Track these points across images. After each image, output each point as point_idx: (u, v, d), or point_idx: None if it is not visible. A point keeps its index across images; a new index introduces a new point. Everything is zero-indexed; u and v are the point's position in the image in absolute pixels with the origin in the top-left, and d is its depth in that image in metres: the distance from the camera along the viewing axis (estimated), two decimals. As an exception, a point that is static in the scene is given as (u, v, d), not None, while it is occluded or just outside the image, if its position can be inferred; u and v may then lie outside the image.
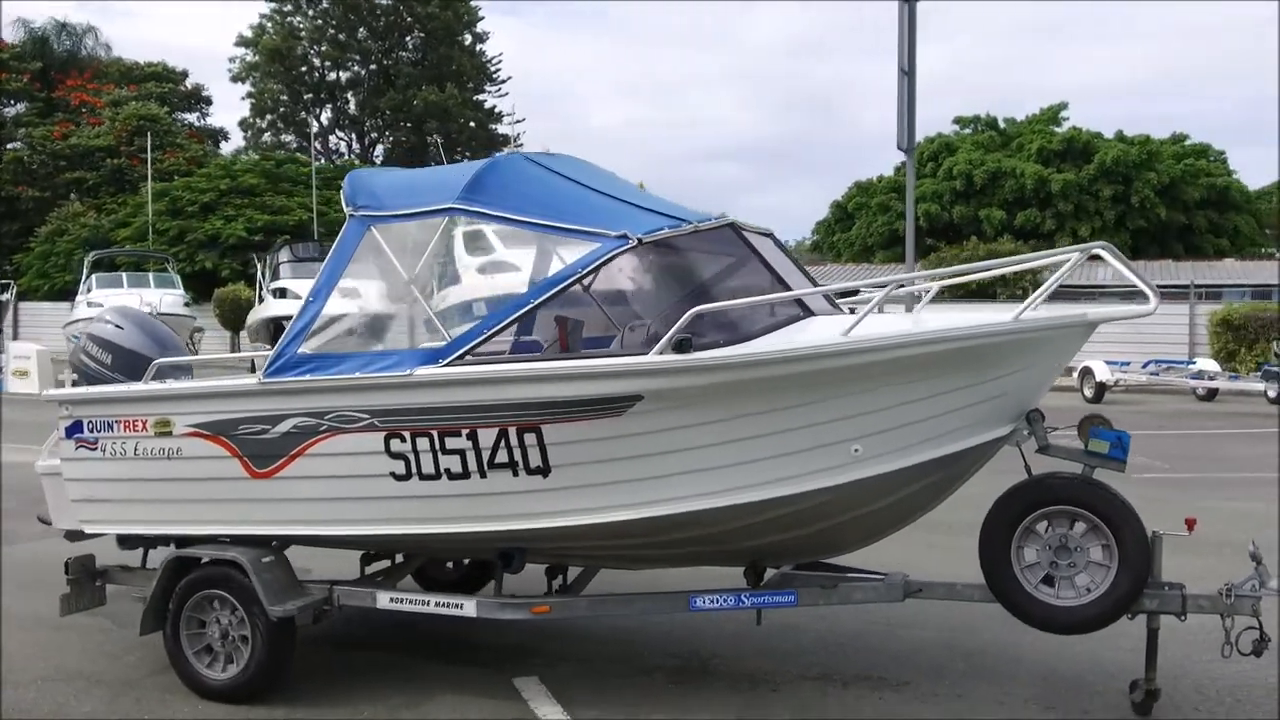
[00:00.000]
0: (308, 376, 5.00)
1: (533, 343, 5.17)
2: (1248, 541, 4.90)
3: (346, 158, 52.99)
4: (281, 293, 22.69)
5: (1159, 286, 4.68)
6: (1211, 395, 19.37)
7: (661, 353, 4.46)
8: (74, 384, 6.51)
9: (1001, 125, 49.96)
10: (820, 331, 4.67)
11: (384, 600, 5.28)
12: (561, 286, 4.72)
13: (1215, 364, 20.00)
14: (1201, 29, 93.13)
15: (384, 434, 4.90)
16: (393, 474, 4.93)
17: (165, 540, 5.85)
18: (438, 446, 4.83)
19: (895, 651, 5.96)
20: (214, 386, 5.35)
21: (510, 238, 5.39)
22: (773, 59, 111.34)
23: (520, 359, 4.98)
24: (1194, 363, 20.36)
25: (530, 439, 4.70)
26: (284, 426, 5.06)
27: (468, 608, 5.11)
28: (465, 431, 4.78)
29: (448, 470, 4.85)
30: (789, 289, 5.05)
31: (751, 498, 4.68)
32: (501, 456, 4.76)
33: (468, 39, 54.25)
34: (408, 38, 53.92)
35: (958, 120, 51.21)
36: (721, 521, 4.79)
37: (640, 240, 4.68)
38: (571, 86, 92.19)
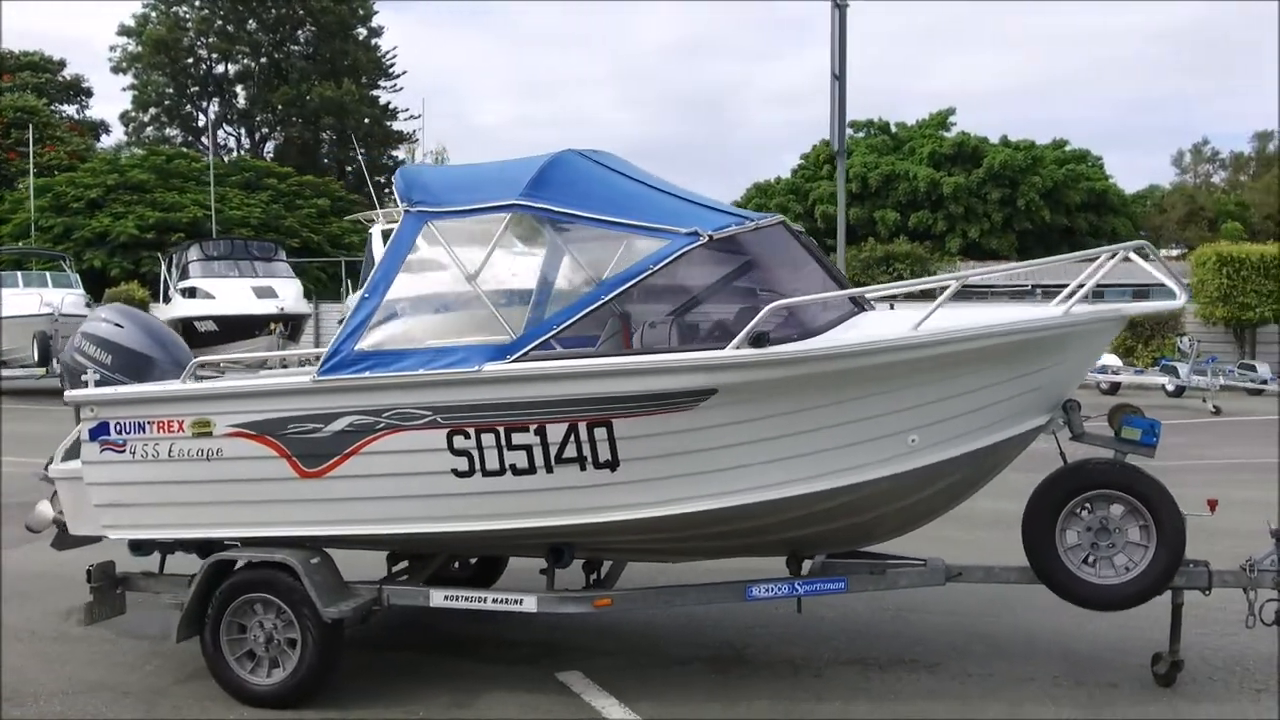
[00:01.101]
0: (366, 374, 4.93)
1: (587, 337, 5.18)
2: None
3: (236, 153, 51.42)
4: (191, 292, 21.94)
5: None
6: (1115, 389, 20.37)
7: (738, 347, 4.56)
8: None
9: (893, 129, 51.48)
10: (884, 326, 4.84)
11: (438, 599, 5.24)
12: (634, 282, 4.77)
13: (1117, 359, 21.02)
14: (1067, 37, 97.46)
15: (447, 431, 4.87)
16: (454, 471, 4.90)
17: (188, 545, 5.69)
18: (503, 442, 4.83)
19: (914, 635, 6.17)
20: (262, 385, 5.23)
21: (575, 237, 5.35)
22: (661, 60, 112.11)
23: (573, 354, 4.98)
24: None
25: (600, 433, 4.74)
26: (338, 425, 4.98)
27: (527, 603, 5.11)
28: (533, 427, 4.78)
29: (513, 466, 4.85)
30: (839, 284, 5.20)
31: (815, 488, 4.82)
32: (570, 451, 4.79)
33: (362, 33, 53.27)
34: (300, 31, 52.65)
35: (851, 124, 52.46)
36: (783, 511, 4.91)
37: (711, 236, 4.76)
38: (456, 84, 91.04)
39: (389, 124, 53.82)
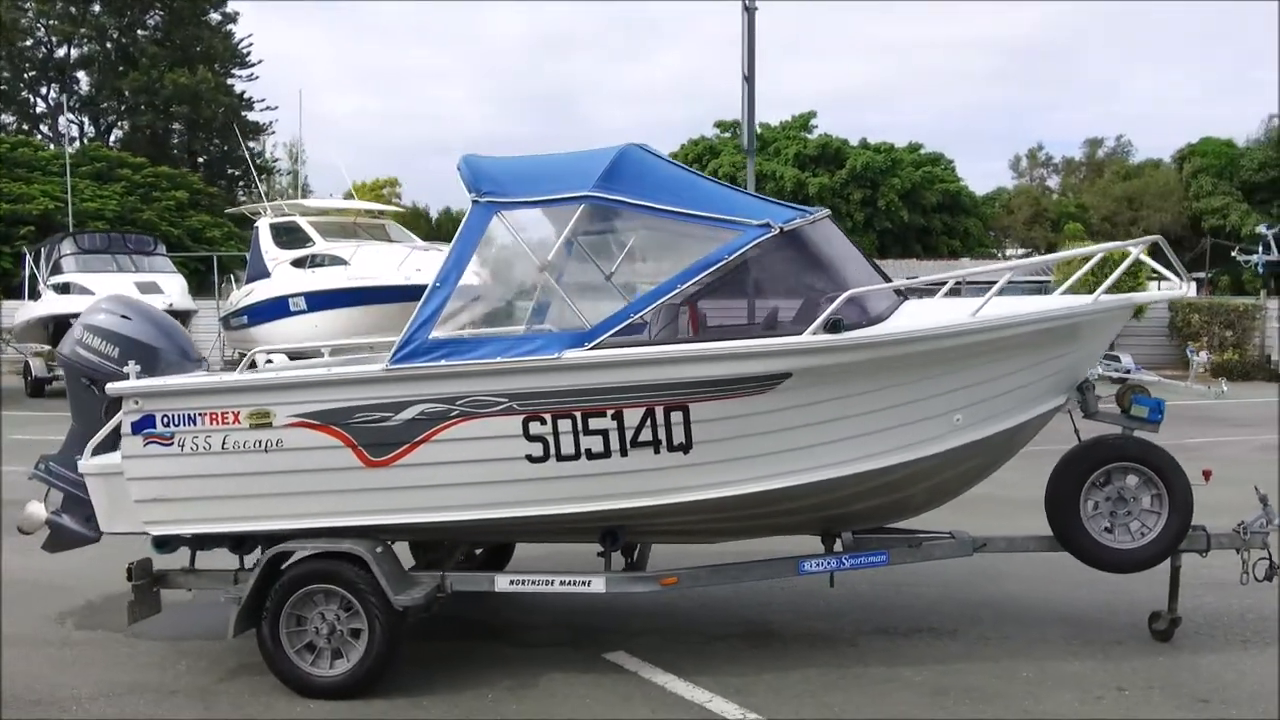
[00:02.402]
0: (443, 362, 4.96)
1: (657, 325, 5.31)
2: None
3: (79, 142, 48.66)
4: (64, 288, 20.72)
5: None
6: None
7: (815, 333, 4.82)
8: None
9: (758, 130, 52.65)
10: (938, 313, 5.18)
11: (503, 583, 5.30)
12: (710, 271, 4.96)
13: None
14: (903, 46, 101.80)
15: (522, 417, 4.95)
16: (528, 456, 4.99)
17: (221, 540, 5.59)
18: (580, 427, 4.94)
19: (923, 607, 6.54)
20: (329, 375, 5.17)
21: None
22: (514, 56, 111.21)
23: (648, 341, 5.12)
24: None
25: (676, 417, 4.91)
26: (409, 413, 5.00)
27: (595, 584, 5.24)
28: (610, 411, 4.92)
29: (588, 450, 4.97)
30: (884, 275, 5.52)
31: (873, 465, 5.12)
32: (645, 435, 4.94)
33: (215, 18, 51.21)
34: (149, 14, 50.21)
35: (718, 124, 53.58)
36: (843, 488, 5.19)
37: (781, 229, 5.00)
38: (300, 74, 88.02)
39: (245, 114, 51.86)
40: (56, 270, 21.34)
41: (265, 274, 21.16)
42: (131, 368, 5.37)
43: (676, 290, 4.99)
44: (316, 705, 5.10)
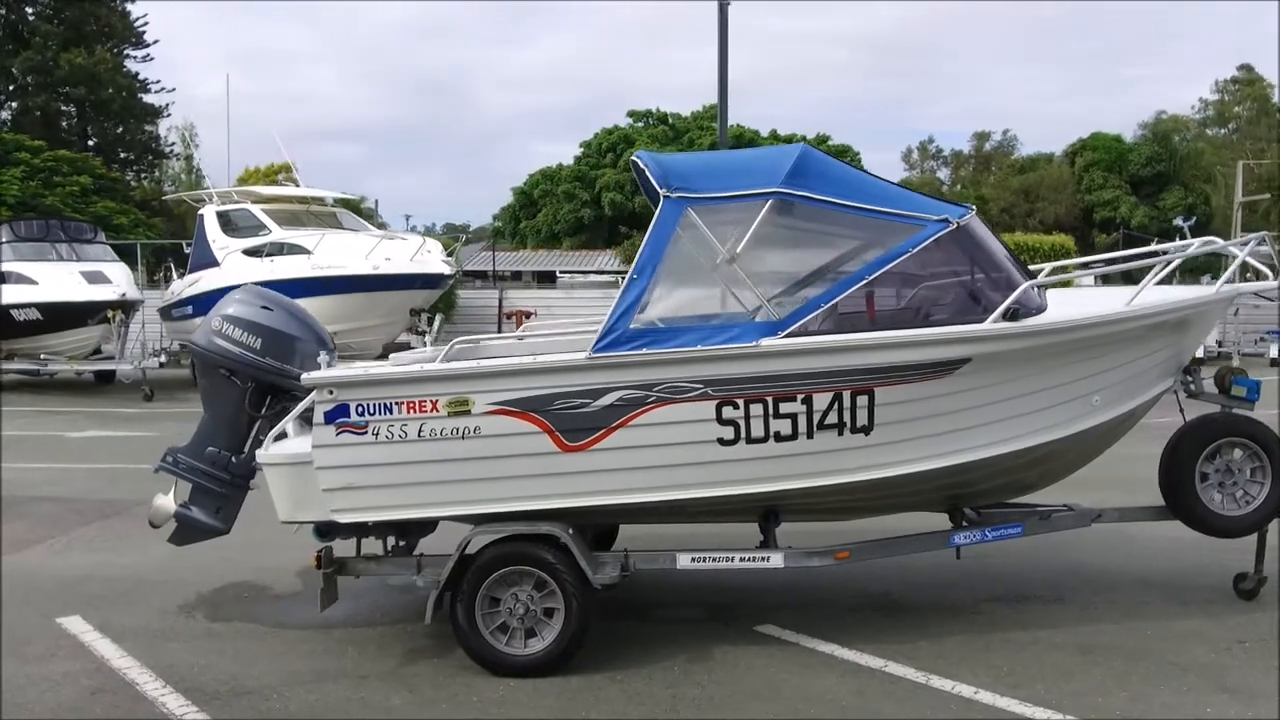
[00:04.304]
0: (644, 350, 5.18)
1: (838, 314, 5.52)
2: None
3: (-36, 125, 46.16)
4: (2, 277, 19.85)
5: None
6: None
7: (995, 321, 5.21)
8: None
9: (670, 120, 53.26)
10: (1090, 302, 5.64)
11: (684, 561, 5.56)
12: (895, 263, 5.31)
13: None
14: (790, 38, 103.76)
15: (716, 402, 5.21)
16: (719, 439, 5.25)
17: (388, 528, 5.72)
18: (771, 411, 5.23)
19: (1013, 576, 7.00)
20: (531, 363, 5.33)
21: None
22: (394, 40, 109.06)
23: (819, 329, 5.41)
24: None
25: (862, 400, 5.25)
26: (607, 399, 5.20)
27: (774, 560, 5.55)
28: (800, 396, 5.22)
29: (776, 433, 5.26)
30: (1023, 266, 5.94)
31: (1032, 442, 5.56)
32: (831, 418, 5.26)
33: (109, -4, 49.08)
34: (37, -9, 47.87)
35: (631, 114, 53.99)
36: (1001, 464, 5.60)
37: (958, 224, 5.37)
38: (169, 53, 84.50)
39: (141, 96, 49.93)
40: (-8, 260, 20.39)
41: (213, 263, 20.66)
42: (324, 358, 5.43)
43: (864, 281, 5.32)
44: (516, 682, 5.28)
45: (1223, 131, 65.87)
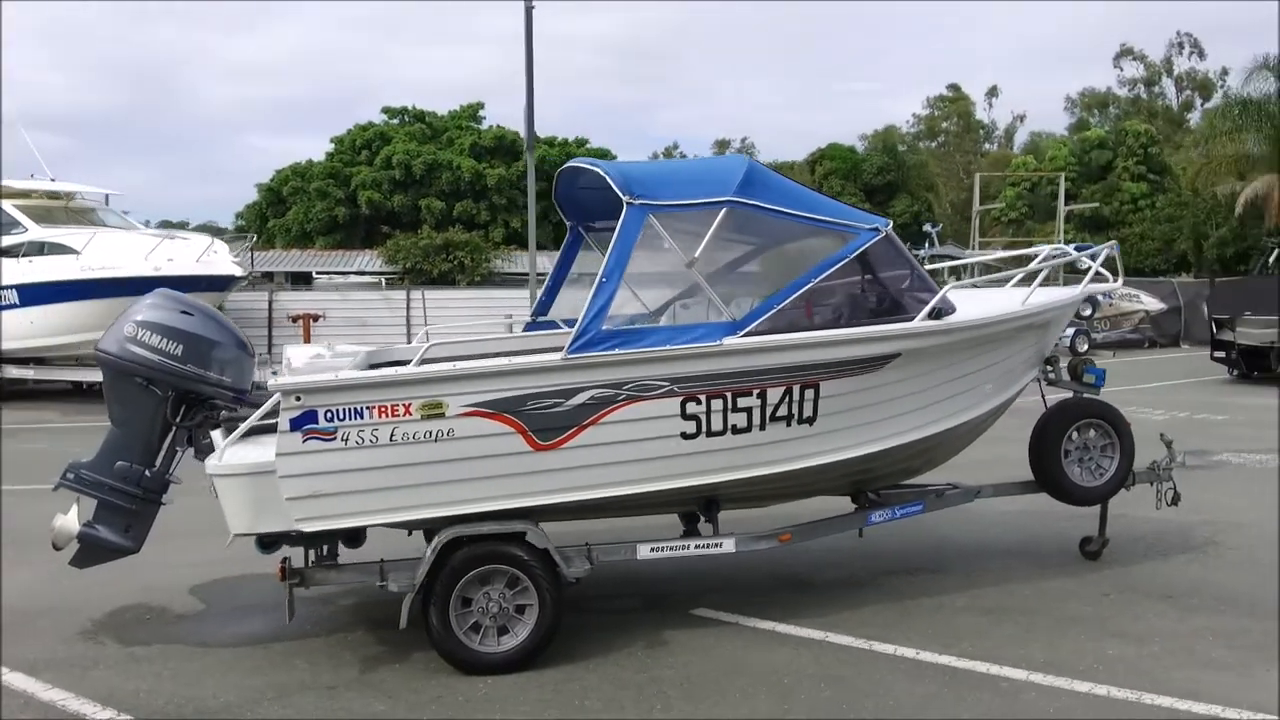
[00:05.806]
0: (616, 350, 5.38)
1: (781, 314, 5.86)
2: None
3: None
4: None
5: None
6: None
7: (922, 320, 5.81)
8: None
9: (427, 119, 52.46)
10: (991, 302, 6.37)
11: (644, 551, 5.80)
12: (835, 268, 5.78)
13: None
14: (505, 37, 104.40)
15: (681, 398, 5.50)
16: (682, 434, 5.54)
17: (337, 535, 5.64)
18: (729, 405, 5.58)
19: (895, 553, 7.69)
20: (506, 365, 5.38)
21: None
22: (91, 20, 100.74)
23: (772, 329, 5.77)
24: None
25: (809, 394, 5.69)
26: (580, 399, 5.36)
27: (726, 545, 5.89)
28: (756, 391, 5.60)
29: (734, 426, 5.61)
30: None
31: (940, 428, 6.23)
32: (782, 410, 5.67)
33: None
34: None
35: (386, 110, 52.73)
36: (915, 448, 6.22)
37: (886, 232, 5.91)
38: None
39: None
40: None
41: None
42: (286, 363, 5.27)
43: (810, 284, 5.75)
44: (495, 679, 5.34)
45: (933, 144, 72.64)
